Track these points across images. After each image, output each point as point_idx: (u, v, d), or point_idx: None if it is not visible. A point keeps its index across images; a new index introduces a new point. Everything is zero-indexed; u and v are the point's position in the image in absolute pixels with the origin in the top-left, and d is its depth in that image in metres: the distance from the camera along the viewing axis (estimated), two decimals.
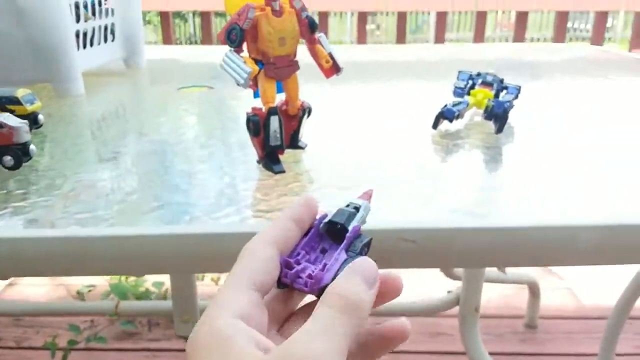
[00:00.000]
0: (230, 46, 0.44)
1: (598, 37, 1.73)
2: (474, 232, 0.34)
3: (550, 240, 0.33)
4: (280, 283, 0.26)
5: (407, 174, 0.45)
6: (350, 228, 0.27)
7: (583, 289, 1.48)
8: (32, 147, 0.45)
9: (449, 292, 1.22)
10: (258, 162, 0.48)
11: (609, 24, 1.75)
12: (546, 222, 0.34)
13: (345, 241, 0.27)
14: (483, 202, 0.39)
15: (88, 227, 0.35)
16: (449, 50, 1.19)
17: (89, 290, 1.43)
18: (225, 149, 0.53)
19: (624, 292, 0.97)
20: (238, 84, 0.42)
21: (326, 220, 0.28)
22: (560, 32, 1.73)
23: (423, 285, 1.43)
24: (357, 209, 0.28)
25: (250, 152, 0.47)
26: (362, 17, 1.80)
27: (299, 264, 0.26)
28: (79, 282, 1.46)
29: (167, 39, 1.81)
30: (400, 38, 1.79)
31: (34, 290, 1.45)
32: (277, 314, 0.27)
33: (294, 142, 0.51)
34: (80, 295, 1.41)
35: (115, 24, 0.91)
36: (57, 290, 1.44)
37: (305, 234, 0.28)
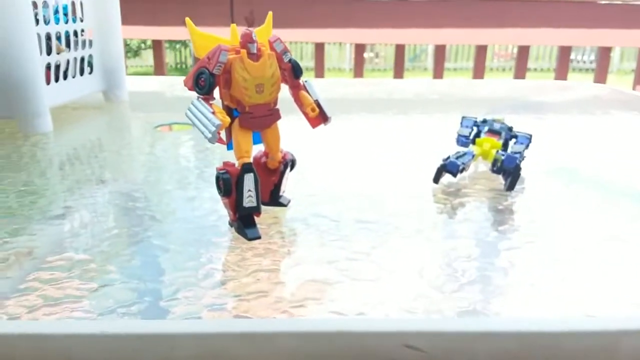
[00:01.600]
0: (199, 93, 0.37)
1: (601, 73, 1.68)
2: (494, 338, 0.27)
3: (588, 349, 0.26)
4: None
5: (407, 248, 0.38)
6: None
7: None
8: None
9: None
10: (230, 225, 0.41)
11: None
12: (583, 327, 0.27)
13: None
14: (498, 293, 0.32)
15: None
16: (449, 86, 1.13)
17: None
18: (194, 205, 0.46)
19: None
20: (205, 138, 0.36)
21: None
22: (563, 68, 1.69)
23: None
24: None
25: (223, 211, 0.41)
26: (360, 49, 1.75)
27: None
28: None
29: (159, 69, 1.76)
30: (399, 71, 1.74)
31: None
32: None
33: (274, 198, 0.44)
34: None
35: (94, 56, 0.85)
36: None
37: None
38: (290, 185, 0.44)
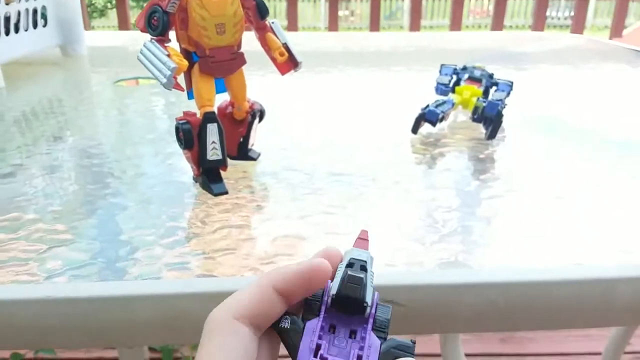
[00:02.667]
0: (152, 34, 0.33)
1: (578, 25, 1.66)
2: (477, 290, 0.25)
3: (579, 298, 0.25)
4: None
5: (384, 200, 0.36)
6: (368, 301, 0.19)
7: None
8: None
9: None
10: (194, 180, 0.38)
11: None
12: (574, 275, 0.25)
13: (370, 319, 0.20)
14: (480, 243, 0.31)
15: None
16: (426, 39, 1.09)
17: None
18: (156, 161, 0.42)
19: None
20: (161, 84, 0.32)
21: (333, 294, 0.20)
22: (540, 20, 1.66)
23: None
24: (364, 267, 0.20)
25: (187, 168, 0.38)
26: (334, 4, 1.69)
27: None
28: None
29: (123, 24, 1.67)
30: (374, 25, 1.69)
31: None
32: None
33: (242, 151, 0.41)
34: None
35: (48, 7, 0.79)
36: None
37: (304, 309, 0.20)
38: (259, 138, 0.41)
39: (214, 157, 0.35)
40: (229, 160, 0.37)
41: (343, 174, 0.40)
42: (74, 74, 0.76)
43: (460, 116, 0.54)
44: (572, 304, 0.25)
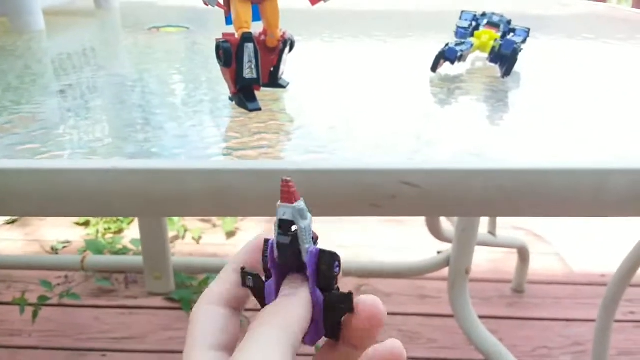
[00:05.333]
0: None
1: None
2: (490, 175, 0.28)
3: (578, 186, 0.28)
4: None
5: (405, 117, 0.39)
6: (305, 257, 0.21)
7: (572, 255, 1.45)
8: None
9: (438, 252, 1.18)
10: (230, 99, 0.41)
11: None
12: (573, 165, 0.28)
13: (310, 276, 0.21)
14: (492, 145, 0.34)
15: (18, 160, 0.29)
16: (448, 1, 1.11)
17: (64, 247, 1.37)
18: (194, 86, 0.46)
19: (628, 258, 0.92)
20: (205, 3, 0.36)
21: (276, 257, 0.21)
22: None
23: (409, 247, 1.40)
24: (290, 227, 0.21)
25: (222, 90, 0.41)
26: None
27: None
28: (54, 237, 1.40)
29: None
30: None
31: (6, 245, 1.39)
32: None
33: (273, 79, 0.44)
34: (54, 251, 1.35)
35: None
36: (31, 246, 1.38)
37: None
38: (289, 69, 0.44)
39: (250, 76, 0.39)
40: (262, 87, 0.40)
41: (369, 102, 0.43)
42: (108, 22, 0.80)
43: (477, 63, 0.56)
44: (572, 191, 0.28)
